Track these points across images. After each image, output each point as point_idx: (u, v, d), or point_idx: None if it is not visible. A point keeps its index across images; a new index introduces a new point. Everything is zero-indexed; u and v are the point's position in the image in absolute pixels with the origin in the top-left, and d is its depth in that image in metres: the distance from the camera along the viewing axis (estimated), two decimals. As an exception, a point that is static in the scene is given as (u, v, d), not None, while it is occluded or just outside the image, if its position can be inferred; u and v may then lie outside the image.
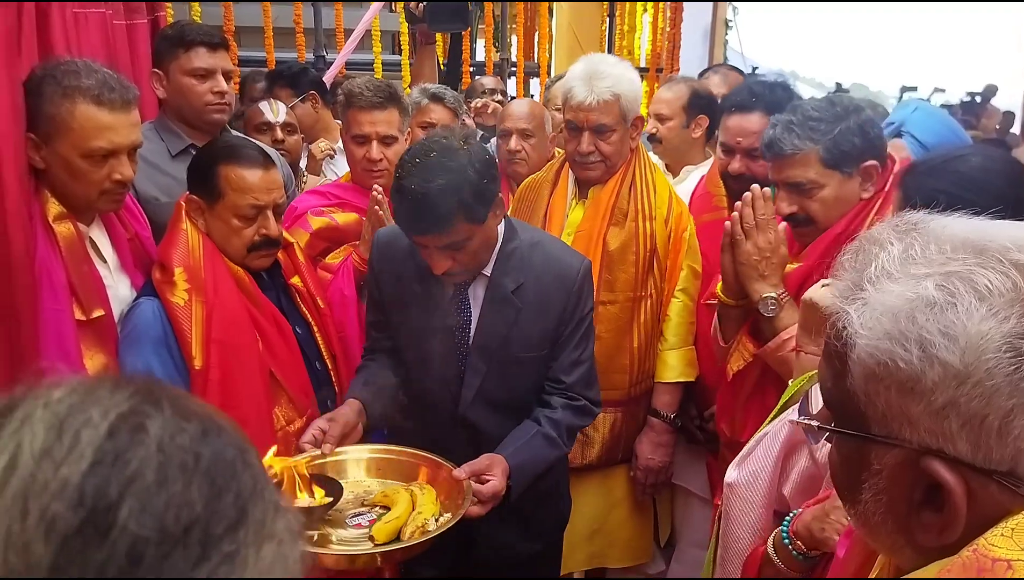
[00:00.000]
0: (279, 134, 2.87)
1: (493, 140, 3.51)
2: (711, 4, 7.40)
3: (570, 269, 1.86)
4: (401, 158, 1.71)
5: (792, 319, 1.73)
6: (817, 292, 1.47)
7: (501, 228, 1.82)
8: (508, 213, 2.50)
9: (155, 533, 0.42)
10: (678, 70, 5.97)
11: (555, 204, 2.41)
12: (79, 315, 1.67)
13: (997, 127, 9.29)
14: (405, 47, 4.97)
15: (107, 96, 1.65)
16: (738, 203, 1.88)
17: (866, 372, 0.71)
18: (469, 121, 3.54)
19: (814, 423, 0.81)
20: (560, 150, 2.99)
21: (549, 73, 5.56)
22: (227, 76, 2.37)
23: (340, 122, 2.65)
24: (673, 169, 2.90)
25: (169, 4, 2.96)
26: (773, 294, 1.83)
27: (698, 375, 2.38)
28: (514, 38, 5.59)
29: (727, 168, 2.37)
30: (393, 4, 5.06)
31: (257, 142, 2.14)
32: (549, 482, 1.96)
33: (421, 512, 1.55)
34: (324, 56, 4.82)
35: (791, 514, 1.27)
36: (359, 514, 1.63)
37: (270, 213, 1.87)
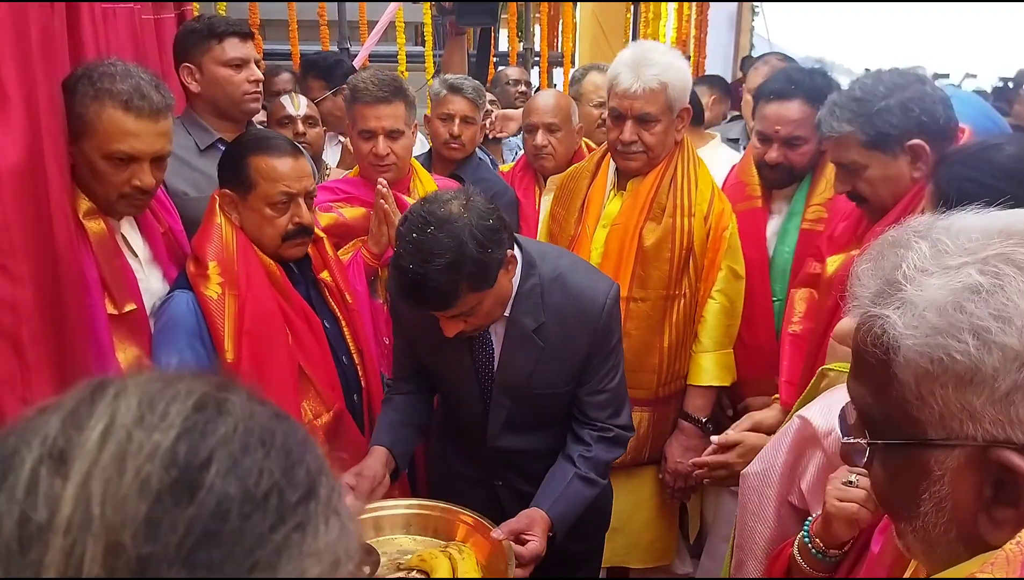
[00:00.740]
0: (300, 127, 2.87)
1: (514, 139, 3.50)
2: (737, -9, 7.31)
3: (594, 304, 1.75)
4: (398, 230, 1.60)
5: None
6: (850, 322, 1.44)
7: (518, 270, 1.72)
8: (543, 216, 2.47)
9: (240, 493, 0.46)
10: (705, 58, 5.91)
11: (593, 194, 2.35)
12: (111, 309, 1.68)
13: (1031, 113, 9.08)
14: (429, 39, 4.96)
15: (136, 102, 1.65)
16: None
17: (918, 373, 0.68)
18: (496, 110, 3.53)
19: (862, 442, 0.77)
20: (588, 141, 2.97)
21: (573, 63, 5.52)
22: (258, 65, 2.39)
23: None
24: None
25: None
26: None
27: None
28: (537, 27, 5.55)
29: (763, 157, 2.31)
30: (418, -2, 5.04)
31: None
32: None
33: None
34: (348, 48, 4.82)
35: (811, 517, 1.26)
36: None
37: (302, 201, 1.88)
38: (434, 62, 4.91)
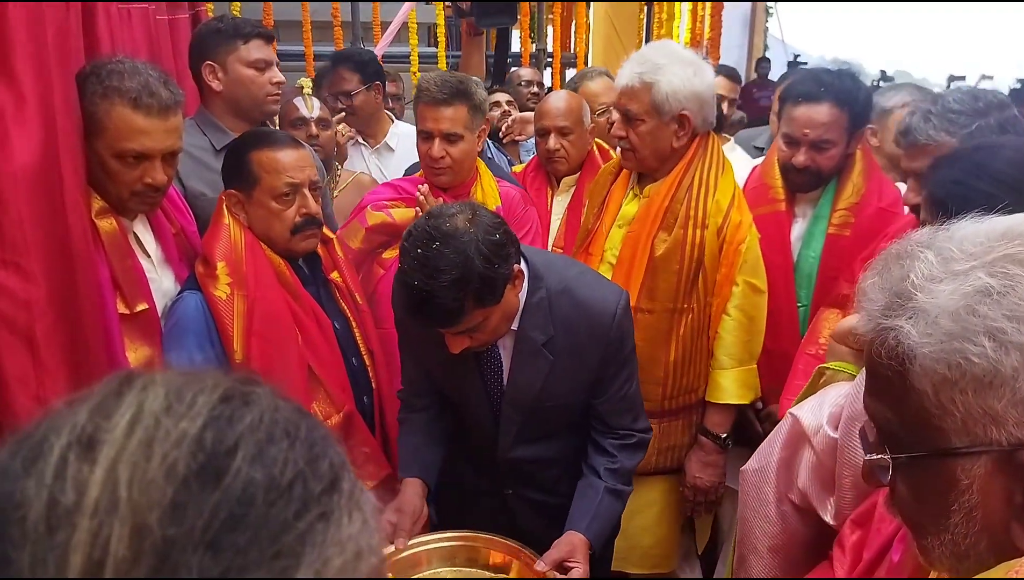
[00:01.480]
0: (313, 129, 2.87)
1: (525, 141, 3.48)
2: (751, -9, 7.29)
3: (604, 315, 1.71)
4: (402, 244, 1.55)
5: None
6: (851, 320, 1.43)
7: (525, 285, 1.68)
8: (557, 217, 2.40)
9: (265, 480, 0.47)
10: (718, 59, 5.89)
11: (614, 194, 2.31)
12: (123, 309, 1.69)
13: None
14: (442, 40, 4.96)
15: (145, 100, 1.65)
16: None
17: (936, 380, 0.67)
18: (514, 112, 3.51)
19: (886, 457, 0.75)
20: (600, 141, 2.95)
21: (586, 63, 5.51)
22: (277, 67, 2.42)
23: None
24: None
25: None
26: None
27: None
28: (550, 28, 5.54)
29: (790, 160, 2.25)
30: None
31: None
32: None
33: None
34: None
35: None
36: None
37: (307, 191, 1.89)
38: (447, 63, 4.91)
